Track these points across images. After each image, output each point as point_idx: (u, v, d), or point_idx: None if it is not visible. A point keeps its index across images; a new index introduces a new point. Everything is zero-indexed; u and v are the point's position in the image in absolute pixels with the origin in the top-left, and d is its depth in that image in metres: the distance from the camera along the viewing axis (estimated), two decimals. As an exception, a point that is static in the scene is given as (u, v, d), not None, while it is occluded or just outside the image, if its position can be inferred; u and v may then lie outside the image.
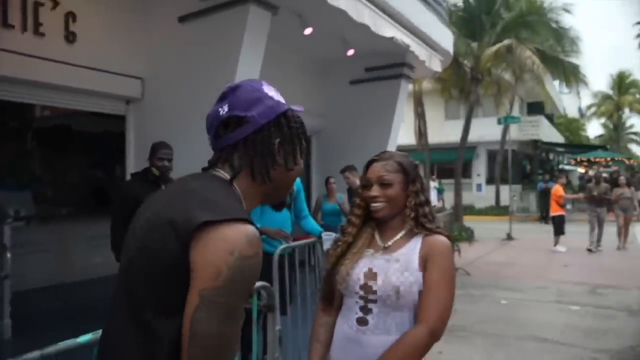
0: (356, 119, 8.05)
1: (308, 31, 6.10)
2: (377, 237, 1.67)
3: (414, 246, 1.59)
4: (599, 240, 10.77)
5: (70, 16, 4.92)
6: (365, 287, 1.56)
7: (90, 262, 6.66)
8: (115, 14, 5.30)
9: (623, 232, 11.07)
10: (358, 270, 1.59)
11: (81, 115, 7.86)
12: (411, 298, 1.52)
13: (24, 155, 8.98)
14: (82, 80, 4.99)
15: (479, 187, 24.33)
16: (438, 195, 21.46)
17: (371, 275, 1.57)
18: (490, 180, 23.24)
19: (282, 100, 1.16)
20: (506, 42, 13.32)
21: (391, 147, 8.03)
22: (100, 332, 1.51)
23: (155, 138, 4.69)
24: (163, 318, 0.95)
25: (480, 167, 24.69)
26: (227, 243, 0.92)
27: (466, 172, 22.18)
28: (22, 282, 5.83)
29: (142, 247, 1.00)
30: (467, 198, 19.50)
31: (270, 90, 1.16)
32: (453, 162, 16.74)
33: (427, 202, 1.66)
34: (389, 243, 1.63)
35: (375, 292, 1.54)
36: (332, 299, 1.69)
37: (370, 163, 1.69)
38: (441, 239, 1.60)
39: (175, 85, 5.14)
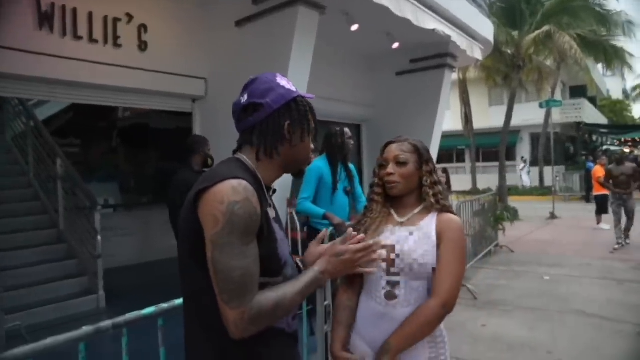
0: (403, 108, 7.86)
1: (354, 27, 5.98)
2: (393, 214, 1.64)
3: (430, 221, 1.57)
4: (627, 228, 8.09)
5: (142, 28, 5.06)
6: (388, 261, 1.54)
7: (167, 244, 6.86)
8: (180, 23, 5.41)
9: None
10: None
11: (155, 114, 8.15)
12: (427, 269, 1.51)
13: (110, 151, 9.44)
14: (154, 83, 5.13)
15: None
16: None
17: (391, 248, 1.54)
18: (534, 162, 22.24)
19: (293, 89, 1.28)
20: (545, 28, 12.55)
21: (437, 134, 7.81)
22: (163, 305, 1.57)
23: (218, 132, 4.79)
24: (197, 269, 1.12)
25: (524, 150, 23.74)
26: (216, 196, 1.08)
27: (510, 155, 21.44)
28: (112, 261, 6.19)
29: (182, 219, 1.18)
30: (512, 179, 18.80)
31: (282, 81, 1.28)
32: (497, 146, 16.21)
33: (439, 181, 1.64)
34: (406, 218, 1.61)
35: (396, 265, 1.52)
36: (354, 277, 1.63)
37: (387, 145, 1.68)
38: (454, 218, 1.59)
39: (234, 84, 5.13)
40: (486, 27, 7.65)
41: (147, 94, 5.30)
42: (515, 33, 13.80)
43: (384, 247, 1.54)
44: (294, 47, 4.61)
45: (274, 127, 1.22)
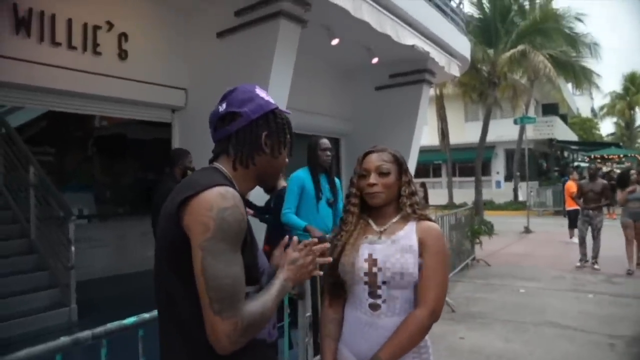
0: (382, 122, 7.94)
1: (335, 42, 6.05)
2: (372, 224, 1.62)
3: (410, 230, 1.56)
4: (595, 255, 7.54)
5: (123, 36, 5.02)
6: (370, 273, 1.52)
7: (144, 255, 6.73)
8: (161, 33, 5.39)
9: (635, 247, 7.25)
10: (360, 257, 1.55)
11: (133, 124, 8.04)
12: (411, 278, 1.49)
13: (86, 160, 9.25)
14: (133, 93, 5.09)
15: (498, 184, 23.83)
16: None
17: (372, 260, 1.53)
18: (508, 178, 22.70)
19: (271, 100, 1.29)
20: (520, 47, 12.97)
21: (414, 148, 7.92)
22: (144, 315, 1.52)
23: (197, 143, 4.73)
24: (175, 279, 1.09)
25: (499, 165, 24.22)
26: (205, 202, 1.06)
27: (486, 170, 21.83)
28: (86, 272, 6.01)
29: (160, 229, 1.15)
30: (487, 194, 19.13)
31: (261, 92, 1.28)
32: (473, 161, 16.51)
33: (417, 192, 1.64)
34: (385, 227, 1.59)
35: (378, 276, 1.51)
36: (338, 290, 1.62)
37: (366, 154, 1.66)
38: (433, 225, 1.58)
39: (214, 94, 5.07)
40: (463, 44, 7.83)
41: (126, 103, 5.24)
42: (490, 51, 14.20)
43: (371, 260, 1.53)
44: (275, 59, 4.63)
45: (251, 136, 1.21)
